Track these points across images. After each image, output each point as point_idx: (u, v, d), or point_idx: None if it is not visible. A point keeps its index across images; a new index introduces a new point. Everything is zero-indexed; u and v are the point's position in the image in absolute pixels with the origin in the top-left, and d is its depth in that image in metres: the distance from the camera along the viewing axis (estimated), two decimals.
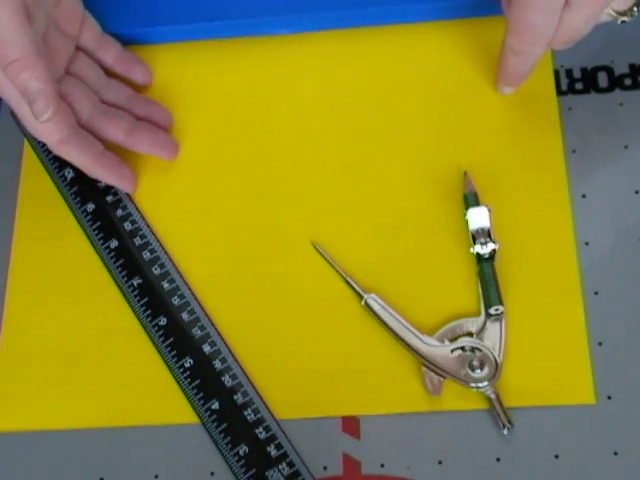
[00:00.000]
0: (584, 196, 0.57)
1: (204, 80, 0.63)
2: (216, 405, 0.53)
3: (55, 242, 0.59)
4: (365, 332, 0.55)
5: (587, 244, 0.56)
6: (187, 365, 0.54)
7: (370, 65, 0.62)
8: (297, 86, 0.62)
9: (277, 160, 0.60)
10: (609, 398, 0.52)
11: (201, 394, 0.53)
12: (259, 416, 0.53)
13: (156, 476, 0.53)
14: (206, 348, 0.55)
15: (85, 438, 0.54)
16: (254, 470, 0.51)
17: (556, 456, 0.51)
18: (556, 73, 0.60)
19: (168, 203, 0.59)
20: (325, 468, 0.52)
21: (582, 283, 0.55)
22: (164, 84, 0.63)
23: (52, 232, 0.59)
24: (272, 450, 0.52)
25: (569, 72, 0.60)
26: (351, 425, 0.53)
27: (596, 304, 0.54)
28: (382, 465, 0.52)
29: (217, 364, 0.54)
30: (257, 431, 0.52)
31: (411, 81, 0.61)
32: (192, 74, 0.63)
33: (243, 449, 0.52)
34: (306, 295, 0.56)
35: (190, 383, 0.54)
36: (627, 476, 0.51)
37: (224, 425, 0.53)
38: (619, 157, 0.58)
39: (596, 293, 0.55)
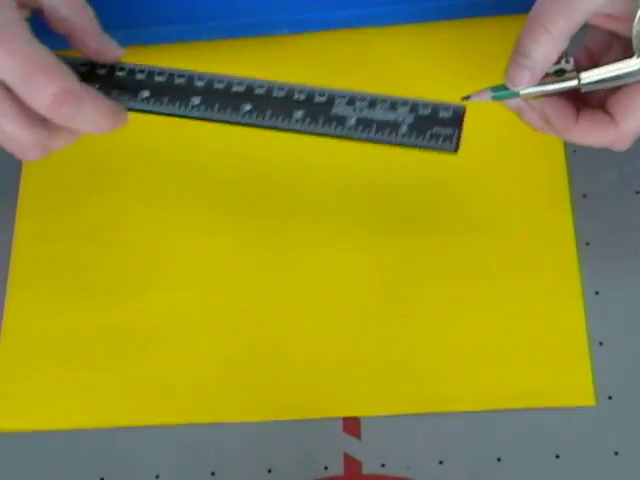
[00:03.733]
0: (585, 196, 0.57)
1: None
2: None
3: (55, 241, 0.59)
4: (366, 332, 0.55)
5: (588, 244, 0.56)
6: None
7: (371, 65, 0.62)
8: None
9: (278, 161, 0.60)
10: (609, 398, 0.52)
11: None
12: None
13: (157, 476, 0.53)
14: None
15: (85, 438, 0.54)
16: None
17: (556, 456, 0.51)
18: None
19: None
20: (326, 468, 0.52)
21: (582, 283, 0.55)
22: None
23: (52, 231, 0.59)
24: None
25: None
26: (352, 425, 0.53)
27: (596, 304, 0.54)
28: (383, 465, 0.52)
29: None
30: None
31: (411, 81, 0.61)
32: None
33: None
34: (307, 295, 0.56)
35: None
36: (627, 476, 0.51)
37: None
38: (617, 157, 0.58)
39: (596, 293, 0.55)
